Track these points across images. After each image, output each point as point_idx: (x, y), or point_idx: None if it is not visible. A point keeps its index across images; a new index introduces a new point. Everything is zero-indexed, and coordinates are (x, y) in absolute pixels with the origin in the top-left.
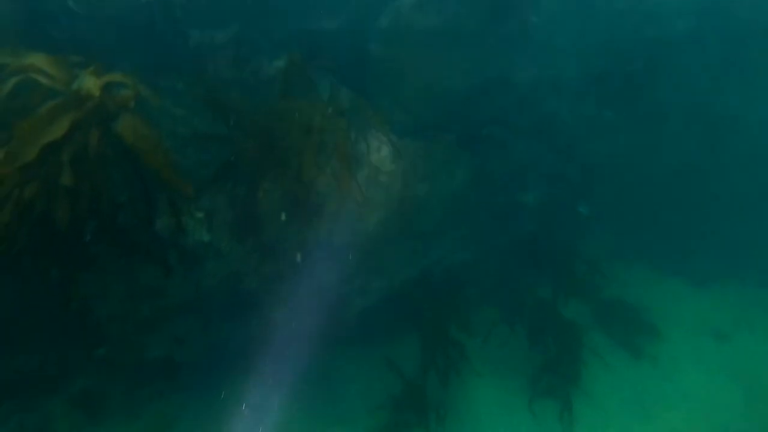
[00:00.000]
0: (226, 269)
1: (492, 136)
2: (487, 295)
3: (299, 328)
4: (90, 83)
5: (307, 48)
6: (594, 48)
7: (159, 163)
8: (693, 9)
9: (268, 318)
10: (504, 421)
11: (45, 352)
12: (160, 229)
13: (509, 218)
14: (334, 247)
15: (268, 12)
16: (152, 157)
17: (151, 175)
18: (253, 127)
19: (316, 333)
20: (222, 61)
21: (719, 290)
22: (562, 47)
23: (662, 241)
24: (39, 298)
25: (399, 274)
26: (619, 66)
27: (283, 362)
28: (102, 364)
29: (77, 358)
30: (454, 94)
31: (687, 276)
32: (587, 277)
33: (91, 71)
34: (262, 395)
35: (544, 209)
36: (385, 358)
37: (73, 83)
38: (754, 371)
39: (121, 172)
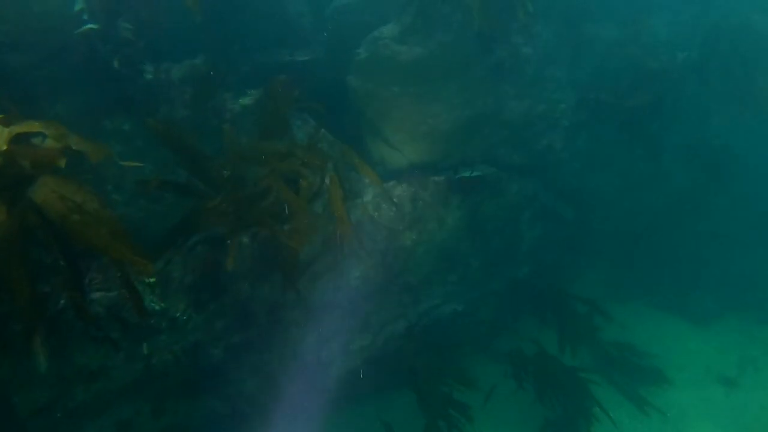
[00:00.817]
0: (184, 341)
1: (484, 178)
2: (482, 345)
3: (275, 400)
4: None
5: (279, 82)
6: (590, 79)
7: (101, 241)
8: (693, 40)
9: (237, 392)
10: None
11: None
12: (98, 299)
13: (503, 262)
14: (312, 304)
15: (234, 42)
16: (89, 232)
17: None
18: (219, 174)
19: (295, 403)
20: (179, 99)
21: (720, 329)
22: (556, 78)
23: (660, 278)
24: None
25: (384, 330)
26: (617, 98)
27: None
28: None
29: None
30: (441, 130)
31: (687, 314)
32: (586, 319)
33: None
34: None
35: (540, 249)
36: (379, 420)
37: None
38: (765, 421)
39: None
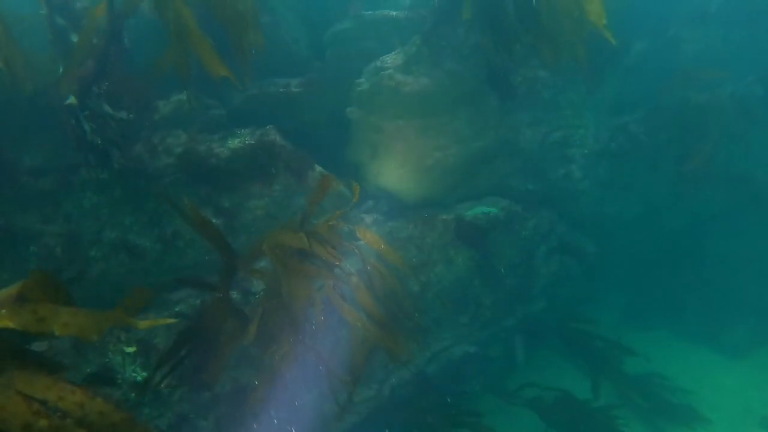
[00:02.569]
0: (169, 415)
1: (496, 216)
2: (495, 385)
3: None
4: None
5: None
6: (612, 102)
7: None
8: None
9: None
10: None
11: None
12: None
13: (517, 299)
14: (311, 360)
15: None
16: None
17: None
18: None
19: None
20: (161, 145)
21: (757, 362)
22: (575, 103)
23: (684, 305)
24: None
25: (390, 379)
26: (646, 128)
27: None
28: None
29: None
30: (448, 164)
31: (717, 345)
32: (608, 354)
33: None
34: None
35: (557, 284)
36: None
37: None
38: None
39: None
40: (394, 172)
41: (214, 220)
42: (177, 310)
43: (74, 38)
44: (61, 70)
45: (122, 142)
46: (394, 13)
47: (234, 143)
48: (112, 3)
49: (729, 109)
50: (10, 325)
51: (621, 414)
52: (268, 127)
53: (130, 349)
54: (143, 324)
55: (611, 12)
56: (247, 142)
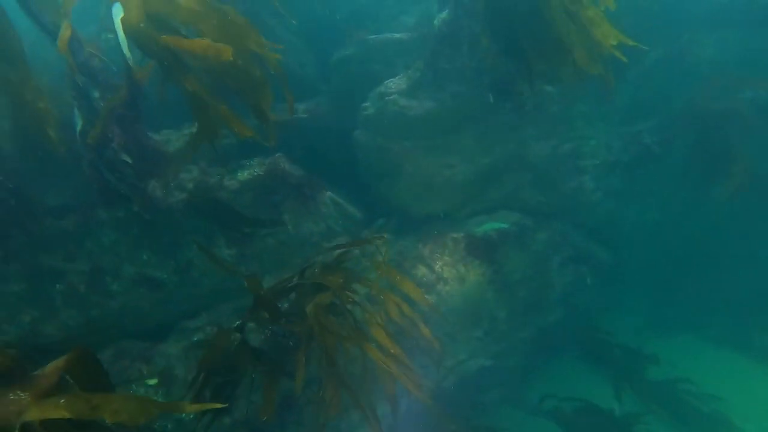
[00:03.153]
0: None
1: (507, 230)
2: (513, 396)
3: None
4: None
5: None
6: (625, 111)
7: None
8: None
9: None
10: None
11: None
12: None
13: (532, 311)
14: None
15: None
16: None
17: None
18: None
19: None
20: (174, 177)
21: None
22: (585, 114)
23: (709, 309)
24: None
25: (404, 397)
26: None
27: None
28: None
29: None
30: (458, 181)
31: (745, 349)
32: (629, 361)
33: None
34: None
35: (573, 294)
36: None
37: None
38: None
39: None
40: (404, 192)
41: (227, 251)
42: (195, 339)
43: (95, 94)
44: (80, 124)
45: (139, 185)
46: (398, 35)
47: (243, 175)
48: (129, 74)
49: (750, 116)
50: (67, 415)
51: (646, 421)
52: (277, 155)
53: (152, 382)
54: (190, 407)
55: (621, 16)
56: (256, 173)
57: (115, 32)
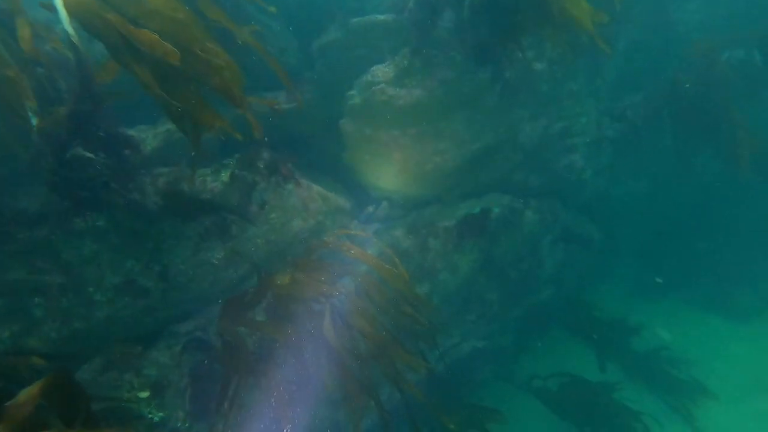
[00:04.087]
0: None
1: (499, 213)
2: (505, 373)
3: None
4: None
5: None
6: (613, 87)
7: None
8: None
9: None
10: None
11: None
12: None
13: (523, 291)
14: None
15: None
16: None
17: None
18: None
19: None
20: (151, 185)
21: (764, 328)
22: (575, 93)
23: (692, 274)
24: None
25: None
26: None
27: None
28: None
29: None
30: (448, 167)
31: (726, 311)
32: (611, 333)
33: None
34: None
35: (563, 271)
36: None
37: None
38: None
39: None
40: (393, 179)
41: (215, 254)
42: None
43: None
44: (35, 120)
45: (111, 185)
46: (382, 17)
47: (226, 176)
48: (81, 60)
49: (729, 76)
50: None
51: (625, 388)
52: (258, 147)
53: (144, 395)
54: None
55: None
56: (237, 172)
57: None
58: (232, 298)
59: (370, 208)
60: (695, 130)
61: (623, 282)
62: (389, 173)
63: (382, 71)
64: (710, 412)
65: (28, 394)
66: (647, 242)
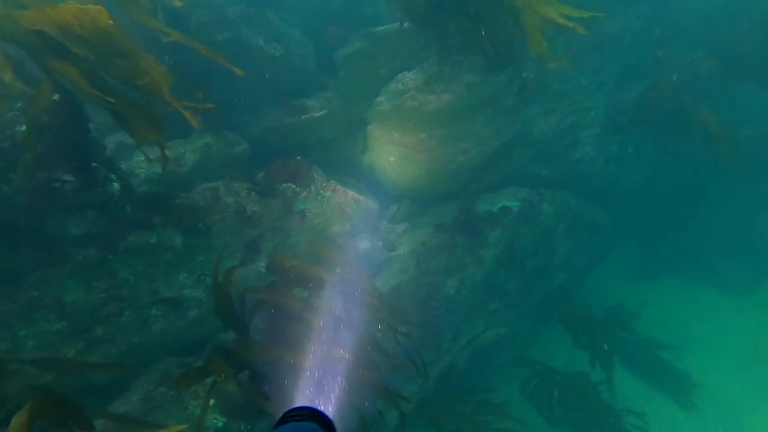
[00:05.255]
0: None
1: (519, 207)
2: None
3: None
4: None
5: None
6: (618, 79)
7: None
8: None
9: None
10: None
11: None
12: None
13: (539, 278)
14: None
15: (238, 101)
16: None
17: None
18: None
19: None
20: (201, 196)
21: (759, 300)
22: (584, 87)
23: (689, 251)
24: None
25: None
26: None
27: None
28: None
29: None
30: (470, 165)
31: (723, 285)
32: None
33: None
34: None
35: (574, 256)
36: None
37: None
38: None
39: None
40: (418, 179)
41: (263, 263)
42: None
43: None
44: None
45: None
46: (406, 24)
47: (267, 187)
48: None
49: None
50: None
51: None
52: (297, 158)
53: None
54: None
55: None
56: (280, 186)
57: None
58: None
59: (394, 207)
60: (678, 123)
61: (623, 262)
62: (414, 173)
63: (411, 78)
64: (713, 384)
65: (18, 422)
66: (645, 224)
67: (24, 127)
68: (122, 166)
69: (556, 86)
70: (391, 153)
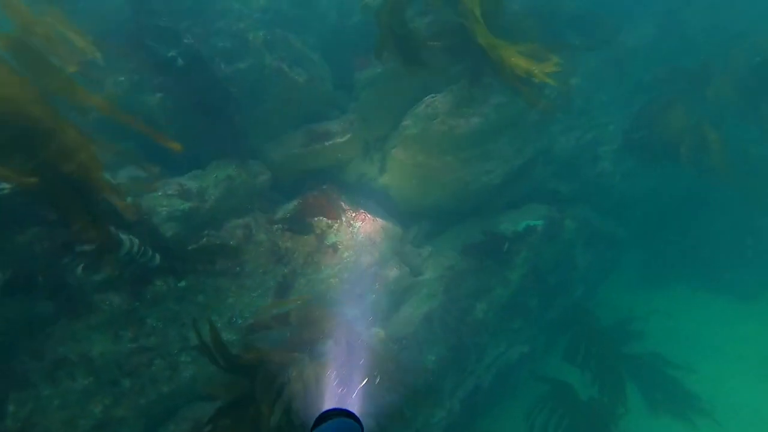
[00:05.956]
0: None
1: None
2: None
3: None
4: None
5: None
6: (632, 93)
7: None
8: None
9: None
10: None
11: None
12: None
13: (559, 293)
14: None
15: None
16: None
17: None
18: None
19: None
20: (231, 235)
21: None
22: (604, 102)
23: (695, 261)
24: None
25: (457, 395)
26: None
27: None
28: None
29: None
30: (493, 185)
31: (730, 292)
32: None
33: None
34: None
35: (591, 269)
36: None
37: None
38: None
39: None
40: (439, 200)
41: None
42: None
43: None
44: None
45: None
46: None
47: (298, 222)
48: None
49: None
50: None
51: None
52: (324, 186)
53: None
54: None
55: None
56: (313, 220)
57: None
58: None
59: (414, 229)
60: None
61: (629, 270)
62: (436, 195)
63: (440, 102)
64: (730, 395)
65: None
66: (650, 232)
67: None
68: (142, 203)
69: (578, 103)
70: (415, 175)
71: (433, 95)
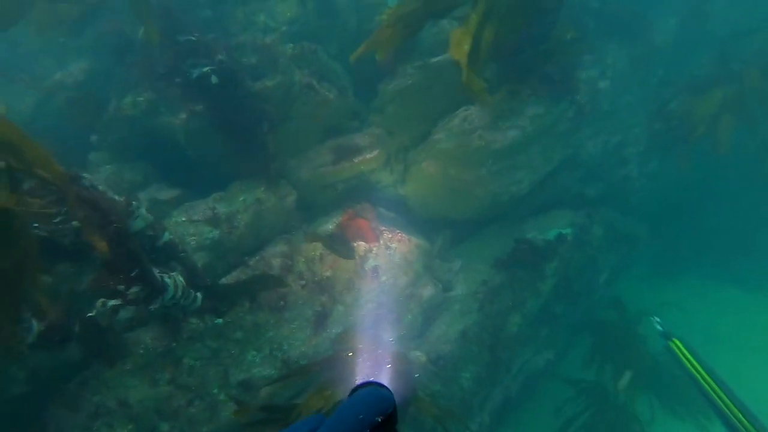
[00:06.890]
0: None
1: (575, 236)
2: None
3: None
4: None
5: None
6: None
7: None
8: None
9: None
10: None
11: None
12: None
13: (582, 298)
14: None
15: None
16: None
17: None
18: None
19: None
20: (267, 259)
21: None
22: (630, 104)
23: (707, 251)
24: None
25: (486, 407)
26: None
27: None
28: None
29: None
30: (522, 195)
31: (742, 283)
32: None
33: None
34: None
35: (615, 272)
36: None
37: None
38: None
39: None
40: (468, 212)
41: (336, 330)
42: None
43: None
44: None
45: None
46: None
47: (338, 246)
48: None
49: None
50: None
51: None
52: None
53: None
54: None
55: None
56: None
57: None
58: None
59: (439, 240)
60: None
61: (641, 264)
62: (464, 207)
63: (477, 116)
64: (749, 389)
65: None
66: (662, 223)
67: None
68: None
69: (606, 107)
70: (443, 187)
71: (466, 107)
